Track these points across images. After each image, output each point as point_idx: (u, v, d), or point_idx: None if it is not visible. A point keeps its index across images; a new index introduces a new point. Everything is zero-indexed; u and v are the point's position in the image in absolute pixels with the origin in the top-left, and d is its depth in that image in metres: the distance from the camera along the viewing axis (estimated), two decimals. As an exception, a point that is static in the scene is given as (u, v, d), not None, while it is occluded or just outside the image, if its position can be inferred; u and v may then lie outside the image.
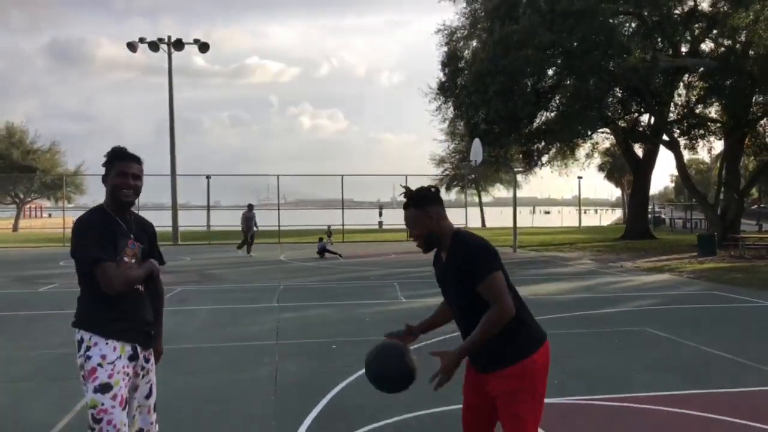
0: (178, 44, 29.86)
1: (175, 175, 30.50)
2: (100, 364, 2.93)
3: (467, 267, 2.80)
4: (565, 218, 65.65)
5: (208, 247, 26.21)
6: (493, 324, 2.72)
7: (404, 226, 21.14)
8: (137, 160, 3.16)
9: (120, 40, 30.82)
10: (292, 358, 6.85)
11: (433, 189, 2.94)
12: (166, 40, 29.76)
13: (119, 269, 2.95)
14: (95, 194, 47.44)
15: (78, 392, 5.58)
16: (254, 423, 4.80)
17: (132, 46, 29.44)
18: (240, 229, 21.77)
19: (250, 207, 21.70)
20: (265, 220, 32.13)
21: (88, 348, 2.95)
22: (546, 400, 5.10)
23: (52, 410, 5.08)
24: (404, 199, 2.95)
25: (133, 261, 3.08)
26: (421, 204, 2.91)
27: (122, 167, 3.11)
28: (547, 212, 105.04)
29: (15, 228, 45.11)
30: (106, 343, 2.96)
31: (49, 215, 67.89)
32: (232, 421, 4.86)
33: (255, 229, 21.53)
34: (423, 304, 10.46)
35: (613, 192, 79.58)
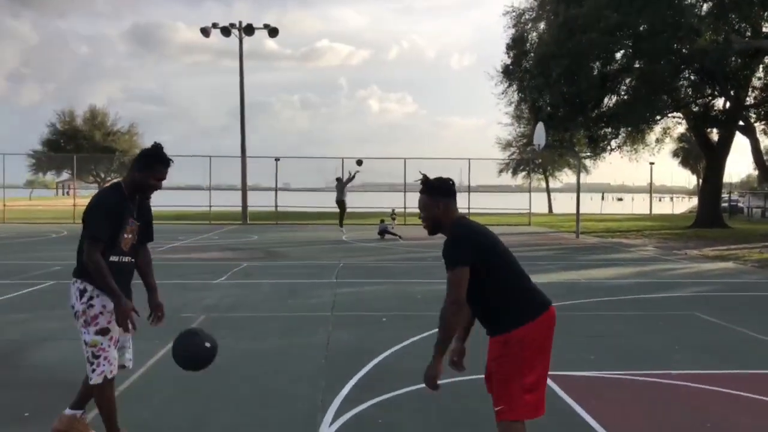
0: (249, 29, 30.79)
1: (245, 156, 31.61)
2: (101, 312, 3.58)
3: (443, 253, 3.15)
4: (637, 205, 63.95)
5: (275, 227, 27.17)
6: (442, 318, 3.04)
7: (466, 210, 21.63)
8: (169, 166, 3.75)
9: (195, 25, 32.02)
10: (345, 328, 7.33)
11: (450, 182, 3.27)
12: (237, 26, 30.77)
13: (101, 259, 3.51)
14: (170, 174, 49.47)
15: (148, 349, 6.24)
16: (304, 381, 5.28)
17: (205, 32, 30.58)
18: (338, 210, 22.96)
19: (339, 179, 23.07)
20: (330, 202, 32.96)
21: (91, 297, 3.57)
22: (578, 373, 5.43)
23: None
24: (420, 185, 3.30)
25: (130, 236, 3.69)
26: (433, 193, 3.25)
27: (161, 173, 3.69)
28: (620, 199, 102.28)
29: (97, 206, 47.75)
30: (103, 297, 3.58)
31: (128, 194, 71.28)
32: (286, 379, 5.36)
33: (344, 199, 22.59)
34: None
35: (691, 179, 76.61)
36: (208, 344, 3.63)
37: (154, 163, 3.66)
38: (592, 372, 5.61)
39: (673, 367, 5.76)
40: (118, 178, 53.67)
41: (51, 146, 47.81)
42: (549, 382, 5.30)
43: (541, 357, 3.18)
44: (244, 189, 31.60)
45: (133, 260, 3.80)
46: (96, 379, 3.60)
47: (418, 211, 3.32)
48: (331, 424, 4.32)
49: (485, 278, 3.10)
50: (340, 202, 23.19)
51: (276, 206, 31.76)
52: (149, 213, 3.91)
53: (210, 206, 30.56)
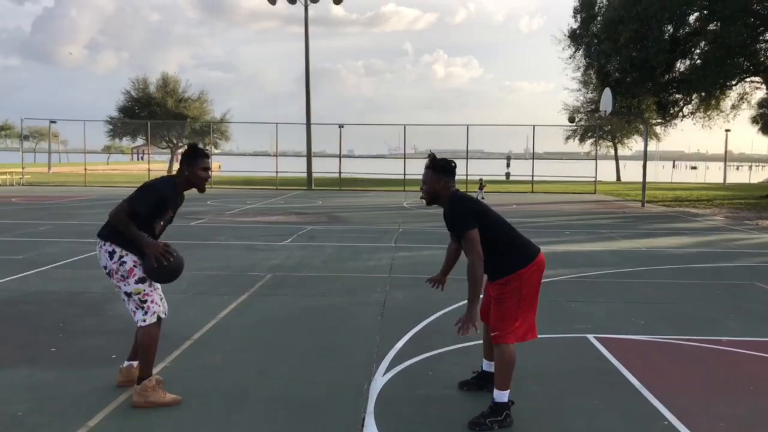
0: (314, -4, 31.03)
1: (310, 124, 32.18)
2: (135, 265, 4.00)
3: (453, 222, 3.87)
4: (712, 174, 61.51)
5: (339, 192, 27.72)
6: (472, 276, 3.69)
7: (530, 178, 21.75)
8: (210, 157, 4.23)
9: (262, -8, 32.44)
10: (401, 289, 7.66)
11: (452, 164, 3.92)
12: (303, -7, 31.05)
13: (127, 219, 3.91)
14: (238, 140, 50.85)
15: (220, 303, 6.73)
16: (360, 336, 5.65)
17: (272, 0, 31.04)
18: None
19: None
20: (392, 169, 33.21)
21: (122, 257, 3.99)
22: (624, 336, 5.57)
23: (203, 316, 6.21)
24: (428, 161, 3.97)
25: (163, 223, 4.14)
26: (437, 170, 3.91)
27: (207, 163, 4.15)
28: (694, 167, 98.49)
29: (169, 171, 49.60)
30: (132, 255, 4.02)
31: (198, 160, 73.57)
32: (344, 334, 5.73)
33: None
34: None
35: (771, 147, 72.95)
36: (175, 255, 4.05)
37: (198, 157, 4.12)
38: (640, 336, 5.75)
39: (724, 334, 5.82)
40: (189, 143, 55.53)
41: (126, 113, 49.67)
42: (594, 342, 5.52)
43: (532, 294, 3.88)
44: (309, 155, 32.25)
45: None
46: (150, 319, 4.02)
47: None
48: (384, 373, 4.66)
49: (485, 235, 3.76)
50: None
51: (340, 172, 32.30)
52: (181, 204, 4.29)
53: (276, 172, 31.36)
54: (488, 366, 4.30)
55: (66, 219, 15.12)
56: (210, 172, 4.20)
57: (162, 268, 3.99)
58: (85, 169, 32.69)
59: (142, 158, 70.44)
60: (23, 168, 32.58)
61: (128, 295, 4.04)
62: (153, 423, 3.80)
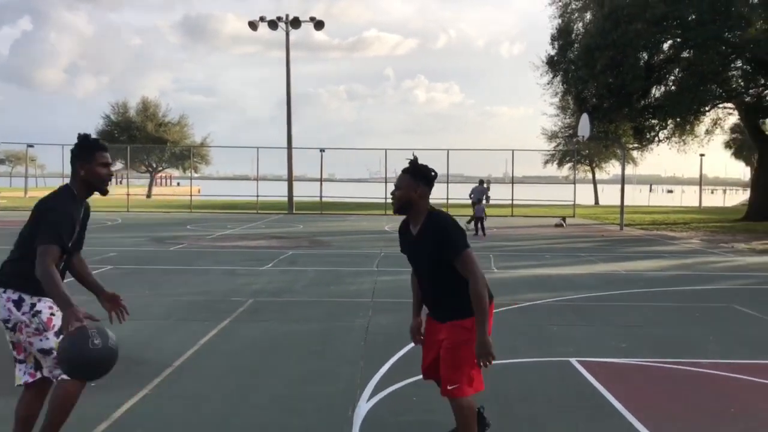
0: (296, 22, 31.33)
1: (291, 148, 32.23)
2: (52, 314, 3.23)
3: (444, 244, 3.30)
4: (688, 198, 62.51)
5: (320, 216, 27.68)
6: (480, 295, 3.23)
7: (509, 201, 21.50)
8: (108, 150, 3.40)
9: (245, 15, 32.72)
10: (384, 313, 7.64)
11: (433, 173, 3.43)
12: (284, 19, 31.30)
13: (56, 270, 3.06)
14: (218, 164, 50.77)
15: (201, 329, 6.65)
16: (343, 361, 5.62)
17: (253, 25, 31.26)
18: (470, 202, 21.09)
19: (481, 182, 21.26)
20: (373, 192, 33.29)
21: (33, 305, 3.21)
22: (606, 360, 5.61)
23: (184, 342, 6.14)
24: (408, 164, 3.47)
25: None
26: (416, 176, 3.40)
27: (104, 157, 3.33)
28: (670, 191, 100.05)
29: (149, 195, 49.24)
30: (45, 300, 3.24)
31: (178, 184, 73.20)
32: (327, 359, 5.70)
33: (485, 203, 20.64)
34: (514, 275, 10.97)
35: (746, 171, 74.42)
36: (96, 341, 2.96)
37: (94, 150, 3.34)
38: (622, 359, 5.79)
39: (705, 357, 5.88)
40: (168, 167, 54.41)
41: (105, 137, 49.33)
42: (577, 366, 5.53)
43: None
44: (290, 179, 32.24)
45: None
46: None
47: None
48: (369, 399, 4.63)
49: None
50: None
51: (321, 196, 32.30)
52: (88, 217, 3.52)
53: (257, 196, 31.28)
54: None
55: (43, 244, 14.91)
56: (111, 169, 3.42)
57: (81, 352, 2.89)
58: (63, 194, 32.33)
59: (120, 182, 69.86)
60: (-1, 192, 32.16)
61: (46, 353, 3.19)
62: (134, 452, 3.73)
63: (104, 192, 3.43)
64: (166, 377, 5.09)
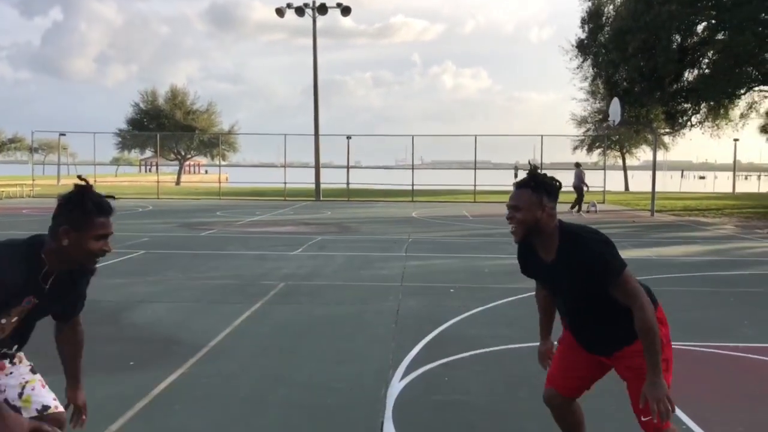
0: (322, 9, 31.29)
1: (318, 135, 32.32)
2: None
3: (598, 273, 2.59)
4: (721, 184, 61.29)
5: (347, 203, 27.77)
6: (652, 329, 2.55)
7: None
8: (112, 214, 2.42)
9: (271, 3, 32.71)
10: (414, 296, 7.67)
11: (557, 183, 2.73)
12: (311, 5, 31.29)
13: None
14: (246, 152, 51.23)
15: (234, 311, 6.75)
16: (376, 343, 5.66)
17: (280, 12, 31.31)
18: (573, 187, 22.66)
19: (578, 165, 23.20)
20: (400, 179, 33.27)
21: None
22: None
23: (218, 323, 6.24)
24: (526, 177, 2.73)
25: (15, 319, 2.39)
26: (541, 191, 2.67)
27: (105, 227, 2.38)
28: (702, 177, 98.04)
29: (177, 182, 49.84)
30: None
31: (206, 171, 74.05)
32: (359, 341, 5.75)
33: (585, 188, 22.61)
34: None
35: (782, 156, 72.77)
36: None
37: (90, 213, 2.32)
38: (655, 342, 5.74)
39: (740, 341, 5.80)
40: (196, 155, 54.79)
41: (135, 125, 50.03)
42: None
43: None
44: (318, 166, 32.35)
45: (9, 351, 2.55)
46: None
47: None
48: (401, 379, 4.67)
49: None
50: (577, 188, 22.96)
51: (348, 183, 32.37)
52: (84, 286, 2.60)
53: (285, 183, 31.46)
54: None
55: (78, 230, 15.20)
56: (109, 243, 2.41)
57: None
58: (95, 181, 32.85)
59: (150, 170, 70.86)
60: (33, 180, 32.82)
61: None
62: (174, 428, 3.82)
63: (92, 271, 2.55)
64: (202, 356, 5.19)
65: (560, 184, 2.74)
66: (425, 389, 4.49)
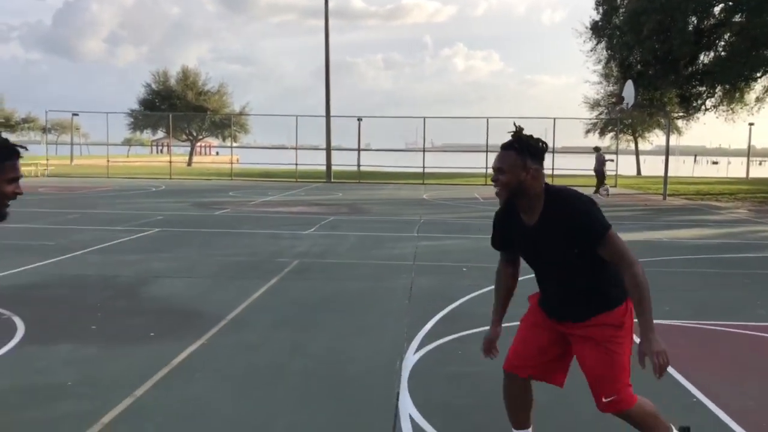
0: (334, -11, 31.14)
1: (330, 116, 32.32)
2: None
3: (584, 231, 2.60)
4: (734, 169, 60.78)
5: (358, 185, 27.85)
6: (642, 283, 2.57)
7: (549, 172, 21.28)
8: (21, 157, 2.50)
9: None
10: (426, 275, 7.76)
11: (542, 144, 2.69)
12: (323, -15, 31.14)
13: None
14: (256, 133, 51.29)
15: (251, 286, 6.87)
16: (390, 318, 5.76)
17: (292, -7, 31.19)
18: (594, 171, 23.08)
19: (597, 149, 23.59)
20: (411, 162, 33.27)
21: None
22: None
23: (236, 298, 6.36)
24: (511, 139, 2.69)
25: None
26: (525, 152, 2.64)
27: (15, 170, 2.47)
28: (715, 162, 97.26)
29: (189, 163, 50.02)
30: None
31: (217, 153, 74.16)
32: (373, 316, 5.85)
33: (605, 171, 22.95)
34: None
35: (796, 141, 71.84)
36: None
37: (2, 159, 2.44)
38: (664, 320, 5.80)
39: (751, 320, 5.85)
40: (208, 136, 54.81)
41: (147, 105, 50.12)
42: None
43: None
44: (329, 148, 32.39)
45: None
46: None
47: (492, 180, 2.70)
48: (416, 352, 4.77)
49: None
50: (598, 172, 23.12)
51: (359, 165, 32.42)
52: None
53: (296, 164, 31.54)
54: None
55: (92, 208, 15.39)
56: (20, 186, 2.51)
57: None
58: (108, 161, 33.11)
59: (161, 151, 71.07)
60: (47, 160, 33.08)
61: None
62: (195, 395, 3.94)
63: (2, 216, 2.52)
64: (221, 328, 5.30)
65: (546, 145, 2.71)
66: (439, 361, 4.59)
